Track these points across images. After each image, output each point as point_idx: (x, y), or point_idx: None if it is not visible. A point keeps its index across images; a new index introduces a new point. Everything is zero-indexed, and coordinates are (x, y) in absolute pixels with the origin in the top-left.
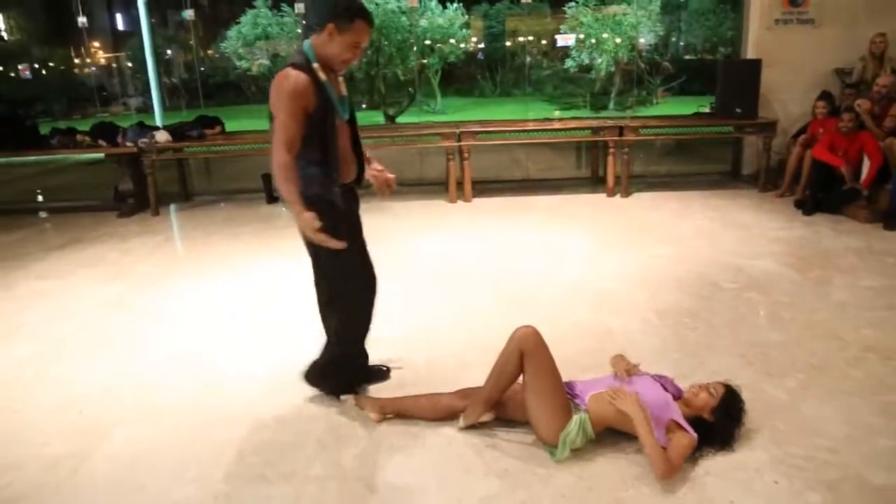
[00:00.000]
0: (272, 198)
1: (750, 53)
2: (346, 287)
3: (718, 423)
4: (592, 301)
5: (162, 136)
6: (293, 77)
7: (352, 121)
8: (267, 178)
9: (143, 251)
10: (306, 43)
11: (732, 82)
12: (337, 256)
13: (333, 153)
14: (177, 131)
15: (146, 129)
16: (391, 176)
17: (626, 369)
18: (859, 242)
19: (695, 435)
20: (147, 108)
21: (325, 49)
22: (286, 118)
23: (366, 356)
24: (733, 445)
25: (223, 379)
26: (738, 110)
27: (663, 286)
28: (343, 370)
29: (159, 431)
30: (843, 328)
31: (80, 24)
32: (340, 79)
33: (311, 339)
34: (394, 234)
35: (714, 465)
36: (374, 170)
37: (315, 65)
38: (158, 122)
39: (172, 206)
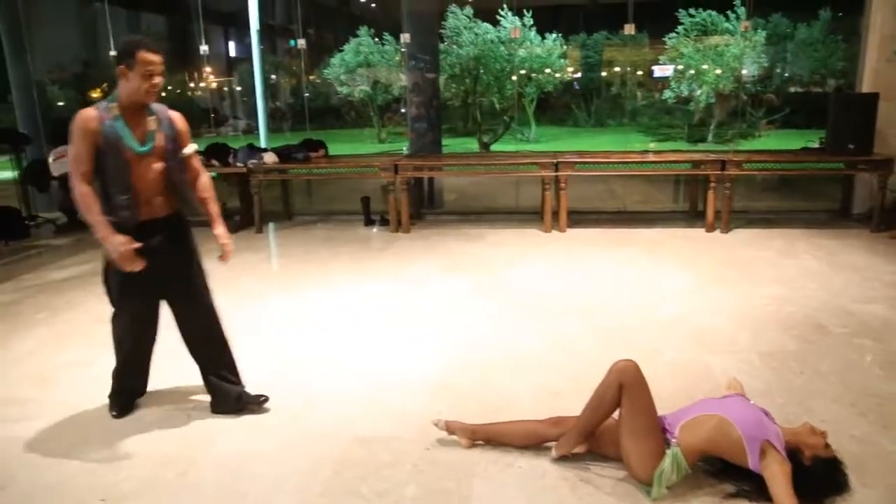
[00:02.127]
0: (370, 220)
1: (866, 86)
2: (119, 309)
3: (816, 471)
4: (691, 338)
5: (270, 158)
6: (82, 114)
7: (173, 157)
8: (366, 201)
9: (246, 266)
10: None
11: (845, 116)
12: (122, 279)
13: (120, 186)
14: (283, 153)
15: (255, 150)
16: (228, 251)
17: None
18: None
19: (789, 463)
20: (253, 130)
21: (126, 89)
22: (76, 152)
23: (139, 383)
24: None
25: (322, 395)
26: (850, 146)
27: (767, 327)
28: (115, 382)
29: (262, 442)
30: None
31: (201, 52)
32: (152, 117)
33: (408, 358)
34: (487, 261)
35: None
36: (220, 238)
37: (112, 104)
38: (263, 143)
39: (272, 225)
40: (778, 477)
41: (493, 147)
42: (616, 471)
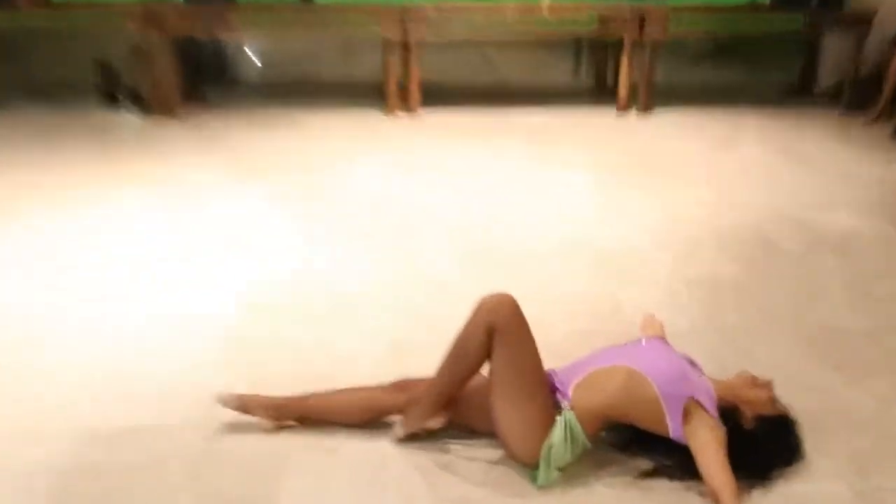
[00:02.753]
0: (112, 98)
1: None
2: None
3: (760, 435)
4: (595, 265)
5: None
6: None
7: None
8: (106, 71)
9: None
10: None
11: None
12: None
13: None
14: None
15: None
16: None
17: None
18: None
19: (723, 427)
20: None
21: None
22: None
23: None
24: (770, 478)
25: (45, 368)
26: None
27: (698, 246)
28: None
29: None
30: None
31: None
32: None
33: (180, 308)
34: (303, 161)
35: (769, 500)
36: None
37: None
38: None
39: None
40: (708, 446)
41: None
42: (488, 450)
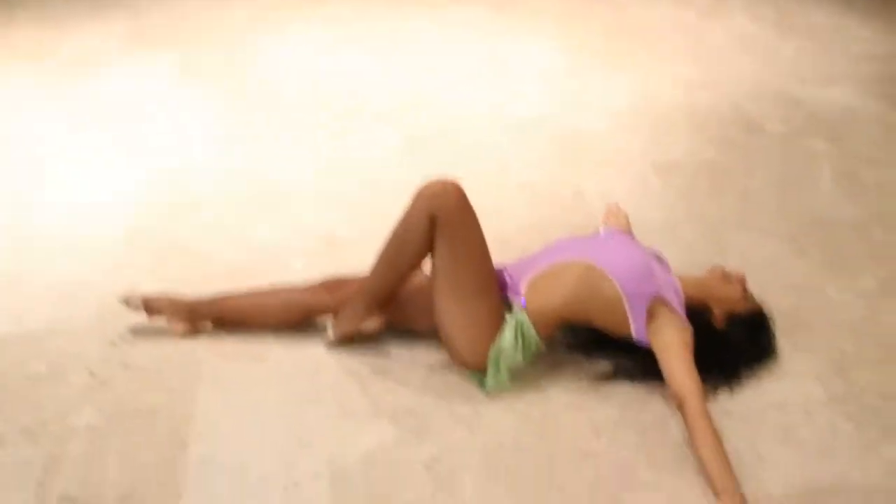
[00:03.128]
0: None
1: None
2: None
3: (732, 335)
4: (556, 149)
5: None
6: None
7: None
8: None
9: None
10: None
11: None
12: None
13: None
14: None
15: None
16: None
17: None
18: None
19: (689, 327)
20: None
21: None
22: None
23: None
24: (741, 379)
25: None
26: None
27: (672, 127)
28: None
29: None
30: None
31: None
32: None
33: (73, 198)
34: (228, 26)
35: (737, 401)
36: None
37: None
38: None
39: None
40: (672, 347)
41: None
42: (431, 354)
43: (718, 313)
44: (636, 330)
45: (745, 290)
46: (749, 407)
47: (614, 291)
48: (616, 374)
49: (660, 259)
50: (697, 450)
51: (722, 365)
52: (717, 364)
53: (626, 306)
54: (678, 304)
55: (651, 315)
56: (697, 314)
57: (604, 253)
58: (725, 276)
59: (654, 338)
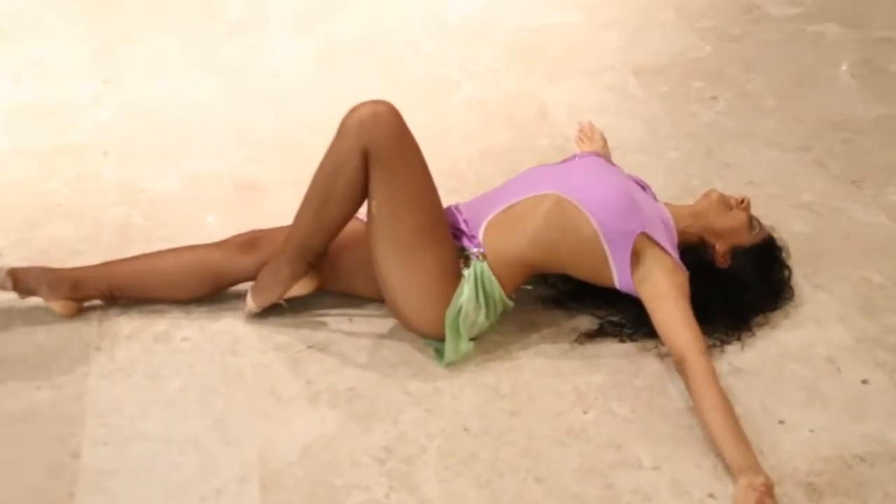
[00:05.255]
0: None
1: None
2: None
3: (738, 273)
4: (512, 53)
5: None
6: None
7: None
8: None
9: None
10: None
11: None
12: None
13: None
14: None
15: None
16: None
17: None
18: None
19: (684, 270)
20: None
21: None
22: None
23: None
24: (751, 328)
25: None
26: None
27: (653, 18)
28: None
29: None
30: None
31: None
32: None
33: None
34: None
35: (748, 355)
36: None
37: None
38: None
39: None
40: (666, 296)
41: None
42: (376, 320)
43: (720, 248)
44: (620, 276)
45: (749, 216)
46: (763, 361)
47: (590, 229)
48: (601, 331)
49: (644, 187)
50: (704, 418)
51: (729, 311)
52: (724, 310)
53: (606, 247)
54: (669, 242)
55: (637, 257)
56: (695, 252)
57: (577, 183)
58: (724, 202)
59: (643, 285)
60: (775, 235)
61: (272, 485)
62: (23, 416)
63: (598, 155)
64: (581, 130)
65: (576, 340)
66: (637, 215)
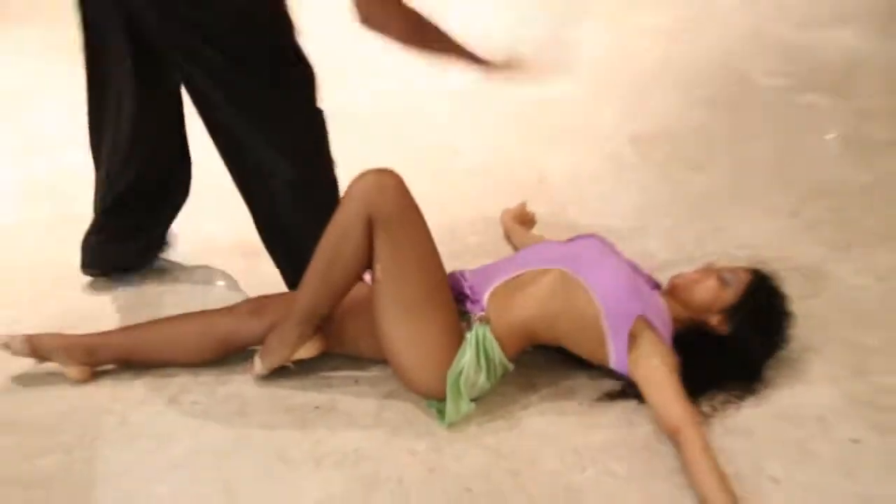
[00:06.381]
0: None
1: None
2: None
3: (740, 335)
4: (512, 123)
5: None
6: None
7: None
8: None
9: None
10: None
11: None
12: None
13: None
14: None
15: None
16: None
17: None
18: None
19: (675, 356)
20: None
21: None
22: None
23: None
24: (761, 380)
25: None
26: None
27: (649, 88)
28: None
29: None
30: None
31: None
32: None
33: None
34: None
35: (740, 416)
36: None
37: None
38: None
39: None
40: (661, 377)
41: None
42: (381, 382)
43: (713, 320)
44: (616, 356)
45: (717, 278)
46: (755, 422)
47: (593, 308)
48: (624, 394)
49: (637, 270)
50: (697, 484)
51: (748, 368)
52: (743, 369)
53: (606, 326)
54: (664, 328)
55: (633, 339)
56: (696, 331)
57: (583, 262)
58: (707, 271)
59: (638, 368)
60: (757, 267)
61: None
62: (31, 483)
63: (599, 239)
64: (508, 216)
65: (597, 399)
66: (637, 299)
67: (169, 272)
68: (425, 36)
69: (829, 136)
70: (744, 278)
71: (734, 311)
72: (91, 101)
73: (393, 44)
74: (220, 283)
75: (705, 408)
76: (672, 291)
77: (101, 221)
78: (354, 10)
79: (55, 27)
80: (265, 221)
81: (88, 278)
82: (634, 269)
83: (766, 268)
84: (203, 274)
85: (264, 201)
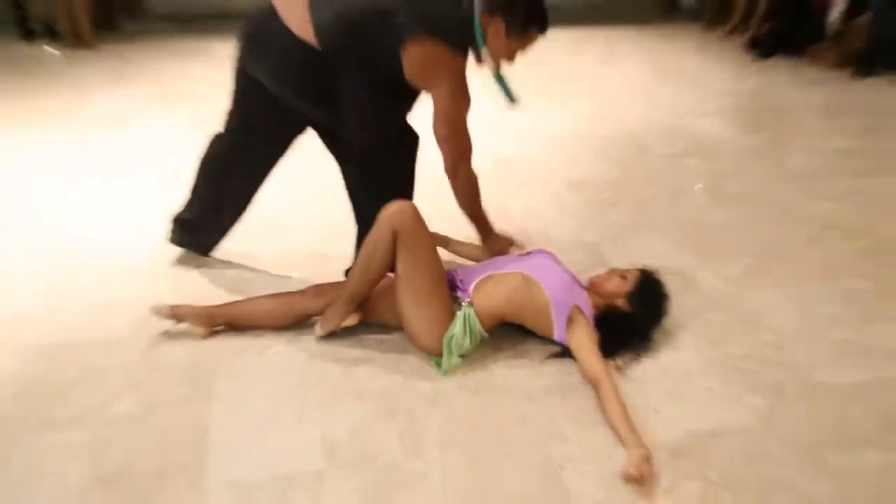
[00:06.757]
0: (28, 31)
1: None
2: None
3: (636, 310)
4: (488, 173)
5: None
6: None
7: None
8: (18, 1)
9: None
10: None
11: None
12: None
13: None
14: None
15: None
16: None
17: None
18: (823, 94)
19: (597, 333)
20: None
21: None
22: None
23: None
24: (651, 342)
25: None
26: None
27: (582, 153)
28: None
29: None
30: (800, 202)
31: None
32: None
33: (106, 230)
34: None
35: (635, 370)
36: None
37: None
38: None
39: None
40: (588, 345)
41: None
42: (398, 342)
43: (620, 303)
44: (558, 331)
45: (618, 275)
46: (645, 374)
47: (544, 299)
48: (564, 354)
49: (574, 277)
50: (609, 414)
51: (639, 333)
52: (645, 334)
53: (553, 312)
54: (589, 314)
55: (570, 321)
56: (611, 313)
57: (538, 268)
58: (613, 272)
59: (572, 339)
60: (644, 267)
61: (330, 449)
62: (172, 403)
63: (549, 253)
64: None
65: (548, 357)
66: (572, 295)
67: (262, 267)
68: (475, 204)
69: (698, 187)
70: (637, 275)
71: (632, 296)
72: (226, 153)
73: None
74: (295, 274)
75: (619, 363)
76: (591, 287)
77: (186, 219)
78: (448, 168)
79: (201, 106)
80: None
81: (209, 269)
82: (571, 274)
83: (652, 269)
84: (285, 268)
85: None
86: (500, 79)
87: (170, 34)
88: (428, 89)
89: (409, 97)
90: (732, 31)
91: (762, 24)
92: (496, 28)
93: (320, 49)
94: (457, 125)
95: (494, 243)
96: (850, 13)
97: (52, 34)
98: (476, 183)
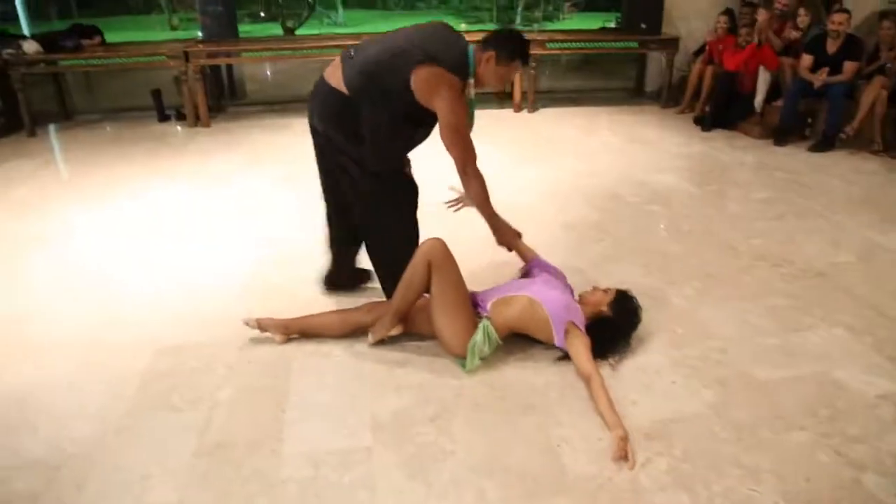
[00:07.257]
0: (164, 115)
1: None
2: None
3: (617, 316)
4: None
5: (30, 47)
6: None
7: None
8: (157, 94)
9: (20, 176)
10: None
11: None
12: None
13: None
14: (48, 41)
15: (10, 38)
16: None
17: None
18: (752, 157)
19: (587, 338)
20: (10, 18)
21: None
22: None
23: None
24: (630, 341)
25: (121, 308)
26: (642, 25)
27: (571, 200)
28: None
29: (53, 366)
30: (736, 238)
31: None
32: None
33: (214, 259)
34: (294, 152)
35: (618, 369)
36: None
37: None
38: (25, 31)
39: (52, 127)
40: (581, 349)
41: (299, 32)
42: (432, 348)
43: (604, 310)
44: (558, 340)
45: (602, 290)
46: (623, 371)
47: (545, 315)
48: (566, 357)
49: (572, 291)
50: (597, 404)
51: (620, 334)
52: (618, 335)
53: (553, 326)
54: (581, 324)
55: (567, 332)
56: (599, 320)
57: (540, 291)
58: (596, 288)
59: (569, 345)
60: (620, 287)
61: (377, 429)
62: (260, 390)
63: (553, 270)
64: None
65: (555, 361)
66: (569, 311)
67: (323, 293)
68: (484, 196)
69: (661, 227)
70: (615, 290)
71: (613, 304)
72: (326, 202)
73: (469, 193)
74: (349, 297)
75: (611, 361)
76: (581, 301)
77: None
78: (459, 168)
79: (286, 167)
80: (374, 261)
81: (285, 292)
82: (568, 291)
83: (627, 288)
84: (344, 291)
85: (374, 254)
86: (471, 102)
87: (262, 114)
88: (432, 102)
89: (417, 124)
90: (683, 110)
91: (705, 105)
92: (487, 58)
93: (349, 94)
94: (459, 131)
95: (503, 232)
96: (770, 97)
97: (179, 116)
98: (483, 180)
